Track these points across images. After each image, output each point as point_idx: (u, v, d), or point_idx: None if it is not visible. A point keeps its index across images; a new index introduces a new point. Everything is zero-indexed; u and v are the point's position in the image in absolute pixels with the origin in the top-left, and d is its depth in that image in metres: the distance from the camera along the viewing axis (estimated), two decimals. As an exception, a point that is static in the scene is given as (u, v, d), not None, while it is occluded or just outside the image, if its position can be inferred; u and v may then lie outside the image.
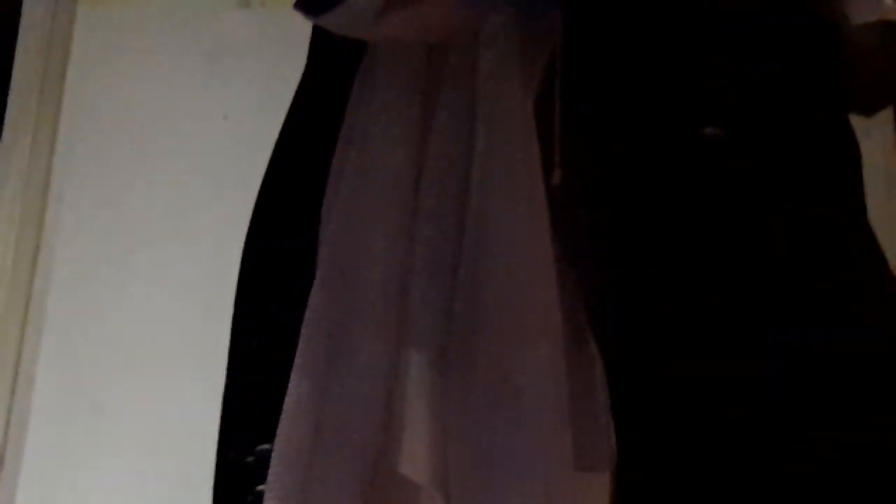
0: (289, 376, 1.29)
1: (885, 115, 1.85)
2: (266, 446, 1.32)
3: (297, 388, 1.27)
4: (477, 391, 1.23)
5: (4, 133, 1.64)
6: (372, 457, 1.24)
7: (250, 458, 1.34)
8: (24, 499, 1.59)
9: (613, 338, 1.28)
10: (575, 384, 1.23)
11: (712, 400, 1.21)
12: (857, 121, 1.71)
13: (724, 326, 1.23)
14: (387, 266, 1.30)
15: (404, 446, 1.22)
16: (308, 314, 1.29)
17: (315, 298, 1.30)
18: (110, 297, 1.65)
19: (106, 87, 1.69)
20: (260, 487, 1.30)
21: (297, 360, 1.28)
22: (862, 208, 1.37)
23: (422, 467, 1.21)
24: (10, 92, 1.65)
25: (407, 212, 1.31)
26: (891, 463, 1.18)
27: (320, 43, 1.45)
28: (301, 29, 1.45)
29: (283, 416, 1.26)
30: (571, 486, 1.20)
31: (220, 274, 1.48)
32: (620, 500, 1.21)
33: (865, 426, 1.19)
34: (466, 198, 1.29)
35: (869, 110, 1.94)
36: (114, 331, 1.65)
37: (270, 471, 1.26)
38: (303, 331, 1.28)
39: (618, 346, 1.27)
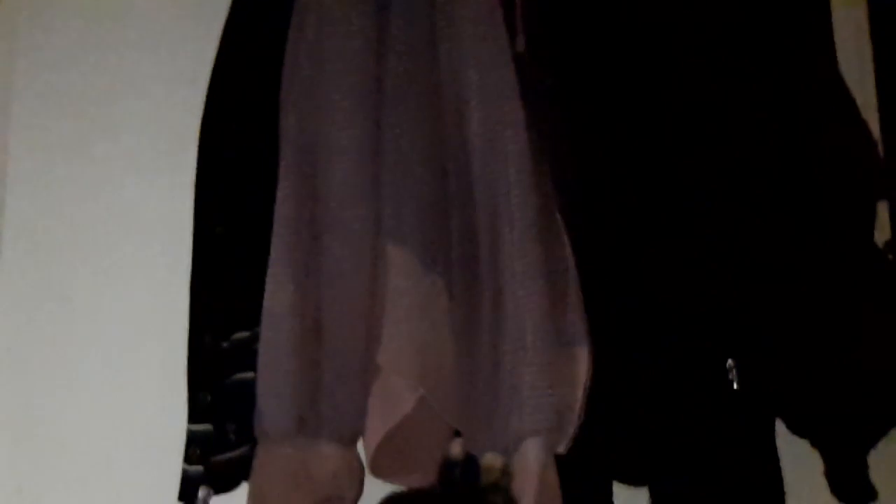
0: (257, 264, 1.27)
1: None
2: (243, 334, 1.32)
3: (278, 289, 1.25)
4: (458, 278, 1.23)
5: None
6: (370, 354, 1.24)
7: (226, 345, 1.33)
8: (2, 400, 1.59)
9: (580, 214, 1.26)
10: (550, 263, 1.23)
11: (680, 281, 1.22)
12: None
13: (696, 201, 1.23)
14: (356, 156, 1.26)
15: (385, 339, 1.22)
16: (278, 210, 1.27)
17: (284, 192, 1.27)
18: (71, 186, 1.61)
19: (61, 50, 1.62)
20: (241, 375, 1.31)
21: (274, 258, 1.26)
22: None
23: (399, 359, 1.22)
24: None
25: (371, 97, 1.27)
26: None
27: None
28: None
29: (267, 316, 1.26)
30: (558, 360, 1.21)
31: (185, 160, 1.43)
32: (597, 370, 1.21)
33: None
34: (431, 79, 1.25)
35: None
36: (77, 221, 1.61)
37: (261, 370, 1.26)
38: (275, 228, 1.26)
39: (585, 221, 1.26)
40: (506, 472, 1.18)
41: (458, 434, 1.25)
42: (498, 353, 1.20)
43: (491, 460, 1.19)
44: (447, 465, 1.24)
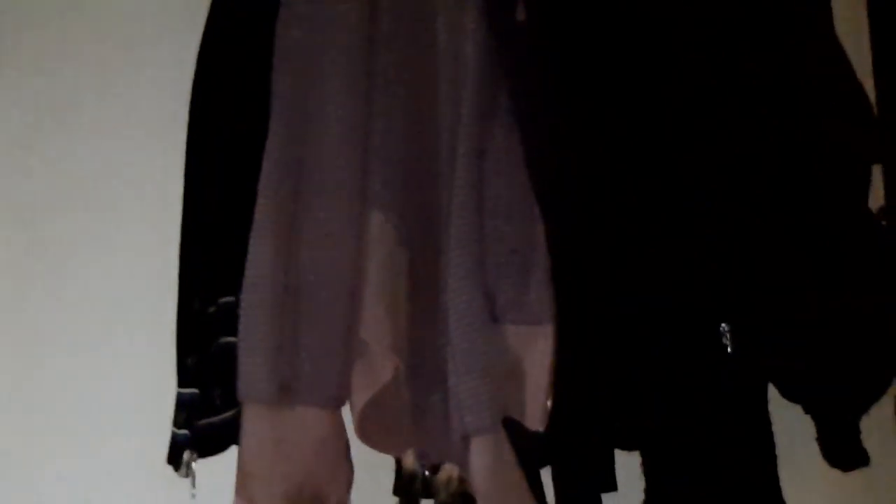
0: (245, 229, 1.26)
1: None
2: (229, 299, 1.31)
3: (259, 253, 1.25)
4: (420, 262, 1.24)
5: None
6: (350, 323, 1.24)
7: (212, 309, 1.32)
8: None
9: (557, 197, 1.25)
10: (518, 243, 1.24)
11: (652, 264, 1.21)
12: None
13: (693, 181, 1.22)
14: (347, 124, 1.26)
15: (365, 309, 1.22)
16: (264, 175, 1.26)
17: (270, 157, 1.26)
18: (60, 151, 1.60)
19: None
20: (226, 339, 1.30)
21: (258, 223, 1.25)
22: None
23: (378, 329, 1.22)
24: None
25: (364, 67, 1.27)
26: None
27: None
28: None
29: (249, 279, 1.25)
30: (519, 338, 1.22)
31: (176, 124, 1.42)
32: (560, 349, 1.21)
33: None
34: (423, 52, 1.26)
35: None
36: (65, 186, 1.60)
37: (241, 334, 1.25)
38: (260, 192, 1.25)
39: (560, 204, 1.25)
40: (462, 479, 1.19)
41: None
42: (443, 351, 1.21)
43: (448, 472, 1.20)
44: (406, 479, 1.24)
